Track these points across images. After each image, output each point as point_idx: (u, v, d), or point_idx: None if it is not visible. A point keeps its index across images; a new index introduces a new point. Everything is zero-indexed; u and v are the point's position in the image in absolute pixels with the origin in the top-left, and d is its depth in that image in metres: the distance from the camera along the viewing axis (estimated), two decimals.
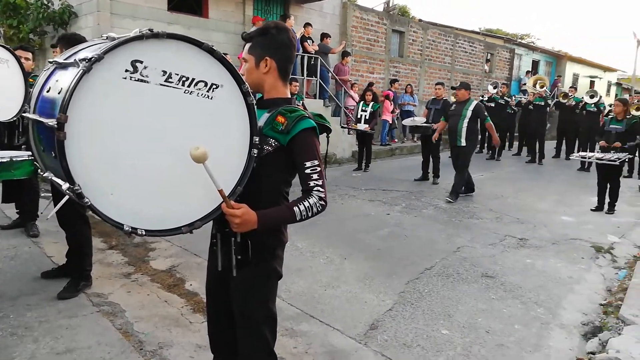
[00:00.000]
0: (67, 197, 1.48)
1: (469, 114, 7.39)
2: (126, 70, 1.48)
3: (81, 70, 1.39)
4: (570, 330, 3.46)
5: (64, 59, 1.59)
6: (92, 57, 1.41)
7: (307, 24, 10.98)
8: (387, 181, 8.84)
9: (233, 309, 1.94)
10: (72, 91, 1.38)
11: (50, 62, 1.69)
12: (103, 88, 1.45)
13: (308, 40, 10.77)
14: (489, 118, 7.66)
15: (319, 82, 11.10)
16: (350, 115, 11.44)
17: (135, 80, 1.50)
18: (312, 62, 10.87)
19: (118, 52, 1.46)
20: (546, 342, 3.25)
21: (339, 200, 7.13)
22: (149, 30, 1.50)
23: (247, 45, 1.89)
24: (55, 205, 3.78)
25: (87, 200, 1.44)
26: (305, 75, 10.67)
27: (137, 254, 4.53)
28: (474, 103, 7.52)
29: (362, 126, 9.66)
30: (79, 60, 1.43)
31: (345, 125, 10.87)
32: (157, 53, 1.53)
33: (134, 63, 1.49)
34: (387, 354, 2.99)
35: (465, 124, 7.41)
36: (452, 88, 8.41)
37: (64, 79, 1.49)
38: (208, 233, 1.96)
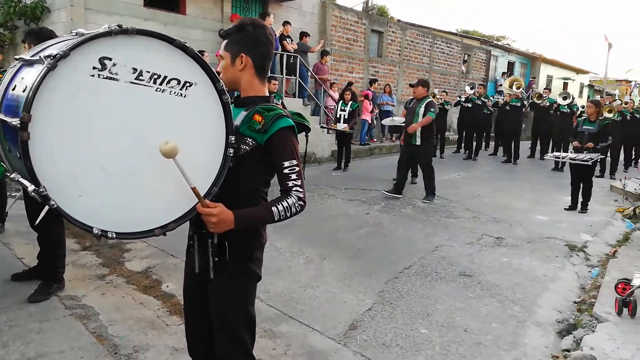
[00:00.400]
0: (46, 207, 1.42)
1: (421, 111, 7.17)
2: (94, 68, 1.43)
3: (45, 68, 1.33)
4: (545, 328, 3.52)
5: (31, 56, 1.53)
6: (57, 54, 1.35)
7: (286, 23, 10.92)
8: (366, 180, 8.87)
9: (210, 311, 1.90)
10: (35, 89, 1.33)
11: (16, 59, 1.62)
12: (69, 86, 1.40)
13: (287, 39, 10.72)
14: (432, 112, 7.21)
15: (298, 81, 11.06)
16: (330, 114, 11.44)
17: (103, 77, 1.45)
18: (292, 61, 10.83)
19: (85, 48, 1.41)
20: (522, 340, 3.30)
21: (319, 200, 7.12)
22: (118, 26, 1.44)
23: (224, 43, 1.85)
24: (26, 205, 3.67)
25: (53, 202, 1.39)
26: (284, 74, 10.62)
27: (112, 255, 4.42)
28: (427, 100, 7.29)
29: (341, 126, 9.67)
30: (44, 57, 1.37)
31: (325, 125, 10.85)
32: (127, 50, 1.48)
33: (102, 60, 1.44)
34: (367, 354, 2.99)
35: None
36: (411, 85, 8.27)
37: (29, 77, 1.43)
38: (185, 233, 1.91)
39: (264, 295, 3.71)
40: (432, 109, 7.19)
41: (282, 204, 1.71)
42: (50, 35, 3.33)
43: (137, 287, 3.77)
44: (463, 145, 13.58)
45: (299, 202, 1.75)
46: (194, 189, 1.59)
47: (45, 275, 3.58)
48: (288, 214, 1.73)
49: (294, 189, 1.74)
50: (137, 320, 3.24)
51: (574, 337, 3.32)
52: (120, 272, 4.06)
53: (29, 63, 1.53)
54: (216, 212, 1.63)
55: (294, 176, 1.74)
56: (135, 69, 1.50)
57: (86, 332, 3.04)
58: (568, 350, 3.16)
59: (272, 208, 1.70)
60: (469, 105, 13.05)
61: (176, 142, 1.50)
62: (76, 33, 1.52)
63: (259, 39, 1.82)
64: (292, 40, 10.91)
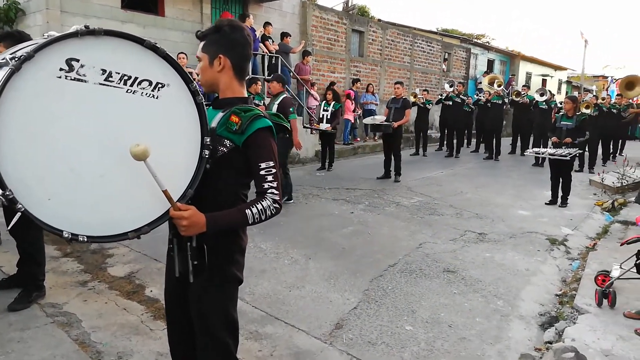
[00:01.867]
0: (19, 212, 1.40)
1: (275, 108, 6.51)
2: (61, 69, 1.41)
3: (10, 69, 1.31)
4: (528, 321, 3.57)
5: (1, 59, 1.51)
6: (21, 56, 1.33)
7: (267, 23, 10.90)
8: (350, 180, 8.89)
9: (192, 315, 1.88)
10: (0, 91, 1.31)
11: None
12: (35, 88, 1.37)
13: (269, 40, 10.69)
14: (295, 115, 6.75)
15: None
16: (312, 115, 11.44)
17: (71, 79, 1.43)
18: (273, 62, 10.80)
19: (51, 50, 1.39)
20: (506, 334, 3.34)
21: (303, 200, 7.12)
22: (85, 27, 1.43)
23: (201, 44, 1.84)
24: (4, 210, 3.59)
25: (20, 206, 1.36)
26: (266, 75, 10.59)
27: (94, 261, 4.36)
28: (282, 97, 6.57)
29: (324, 126, 9.68)
30: (10, 59, 1.35)
31: (308, 125, 10.85)
32: (95, 51, 1.46)
33: (69, 61, 1.41)
34: (353, 353, 3.00)
35: None
36: (266, 80, 7.81)
37: None
38: (167, 237, 1.89)
39: (249, 297, 3.70)
40: (291, 108, 6.51)
41: (256, 207, 1.69)
42: (27, 38, 3.28)
43: (120, 293, 3.72)
44: (445, 143, 13.71)
45: (274, 205, 1.73)
46: (165, 192, 1.57)
47: (25, 283, 3.51)
48: (263, 217, 1.71)
49: (270, 191, 1.72)
50: (121, 326, 3.20)
51: (556, 329, 3.38)
52: (103, 278, 4.01)
53: None
54: (187, 215, 1.61)
55: (270, 178, 1.72)
56: (104, 70, 1.48)
57: (68, 339, 2.99)
58: (551, 342, 3.21)
59: (246, 211, 1.68)
60: (450, 103, 13.18)
61: (148, 144, 1.48)
62: (48, 36, 1.50)
63: (236, 40, 1.81)
64: (273, 41, 10.89)
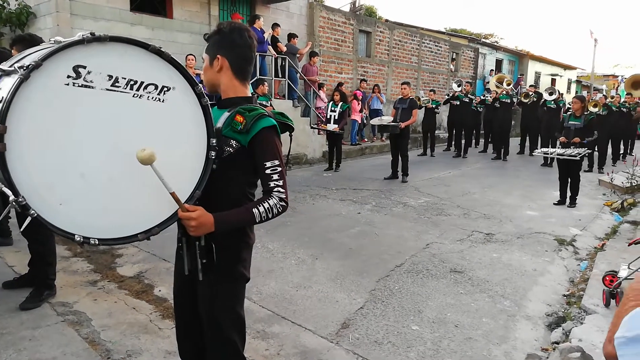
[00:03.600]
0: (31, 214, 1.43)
1: None
2: (68, 77, 1.44)
3: (19, 79, 1.35)
4: (535, 321, 3.56)
5: (9, 66, 1.54)
6: (29, 65, 1.36)
7: (275, 25, 10.95)
8: (357, 180, 8.90)
9: (200, 313, 1.91)
10: (9, 101, 1.34)
11: None
12: (44, 96, 1.41)
13: (279, 42, 10.74)
14: None
15: (288, 83, 11.08)
16: (320, 115, 11.47)
17: (79, 86, 1.46)
18: (282, 64, 10.85)
19: (58, 58, 1.42)
20: (513, 334, 3.34)
21: (310, 201, 7.14)
22: (91, 33, 1.45)
23: (206, 46, 1.89)
24: (17, 213, 3.66)
25: (33, 212, 1.40)
26: (273, 75, 10.64)
27: (104, 260, 4.42)
28: None
29: (331, 126, 9.70)
30: (18, 67, 1.38)
31: (315, 126, 10.89)
32: (101, 57, 1.49)
33: (76, 68, 1.44)
34: (359, 352, 3.02)
35: None
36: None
37: (5, 88, 1.44)
38: (176, 237, 1.93)
39: (256, 297, 3.73)
40: None
41: (263, 205, 1.72)
42: (39, 41, 3.34)
43: (129, 292, 3.77)
44: (453, 143, 13.67)
45: (281, 203, 1.76)
46: (173, 194, 1.60)
47: (36, 282, 3.57)
48: (269, 215, 1.74)
49: (276, 189, 1.75)
50: (130, 324, 3.25)
51: (563, 329, 3.37)
52: (112, 277, 4.06)
53: (7, 73, 1.53)
54: (195, 216, 1.64)
55: (275, 176, 1.75)
56: (110, 76, 1.51)
57: (79, 337, 3.04)
58: (557, 343, 3.20)
59: (253, 210, 1.71)
60: (457, 103, 13.14)
61: (154, 148, 1.50)
62: (54, 41, 1.53)
63: (235, 41, 1.83)
64: (279, 43, 10.94)
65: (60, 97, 1.43)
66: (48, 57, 1.39)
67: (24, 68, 1.36)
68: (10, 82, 1.43)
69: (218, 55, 1.82)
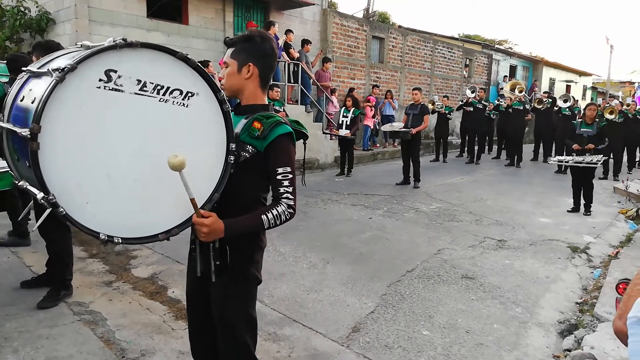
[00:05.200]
0: (48, 209, 1.48)
1: None
2: (100, 80, 1.49)
3: (54, 81, 1.39)
4: (547, 328, 3.55)
5: (38, 68, 1.59)
6: (65, 67, 1.41)
7: (288, 31, 11.04)
8: (369, 186, 8.92)
9: (213, 314, 1.95)
10: (45, 101, 1.38)
11: (24, 71, 1.69)
12: (77, 98, 1.46)
13: (292, 48, 10.82)
14: None
15: (301, 88, 11.15)
16: (332, 121, 11.52)
17: (109, 89, 1.51)
18: (295, 69, 10.93)
19: (92, 61, 1.47)
20: (524, 341, 3.33)
21: (322, 205, 7.17)
22: (123, 39, 1.51)
23: (230, 50, 1.90)
24: (36, 213, 3.74)
25: (62, 210, 1.44)
26: (286, 81, 10.72)
27: (119, 262, 4.49)
28: None
29: (343, 132, 9.74)
30: (52, 70, 1.43)
31: (327, 131, 10.93)
32: (131, 62, 1.54)
33: (107, 72, 1.49)
34: (369, 356, 3.03)
35: None
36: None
37: (37, 89, 1.49)
38: (189, 240, 1.97)
39: (268, 300, 3.77)
40: None
41: (272, 212, 1.76)
42: (57, 47, 3.42)
43: (143, 293, 3.83)
44: (466, 149, 13.62)
45: (289, 210, 1.80)
46: (192, 200, 1.65)
47: (53, 282, 3.65)
48: (278, 222, 1.78)
49: (285, 195, 1.79)
50: (144, 325, 3.30)
51: (575, 337, 3.35)
52: (127, 278, 4.13)
53: (36, 75, 1.59)
54: (208, 222, 1.68)
55: (286, 183, 1.79)
56: (139, 80, 1.56)
57: (94, 337, 3.10)
58: (569, 350, 3.19)
59: (262, 217, 1.75)
60: (471, 109, 13.10)
61: (185, 156, 1.55)
62: (81, 45, 1.58)
63: (266, 51, 1.89)
64: (293, 49, 11.02)
65: (92, 100, 1.49)
66: (83, 60, 1.44)
67: (60, 70, 1.41)
68: (42, 83, 1.48)
69: (250, 63, 1.85)
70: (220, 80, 1.93)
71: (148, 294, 3.83)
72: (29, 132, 1.38)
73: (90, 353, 2.90)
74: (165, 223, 1.69)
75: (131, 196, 1.60)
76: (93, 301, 3.63)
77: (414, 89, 9.27)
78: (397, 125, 9.51)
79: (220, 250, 1.82)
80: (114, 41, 1.50)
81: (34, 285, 3.78)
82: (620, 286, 3.81)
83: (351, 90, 12.49)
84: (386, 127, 10.15)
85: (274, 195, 1.82)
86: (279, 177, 1.79)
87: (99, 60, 1.48)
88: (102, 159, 1.53)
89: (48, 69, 1.46)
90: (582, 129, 7.33)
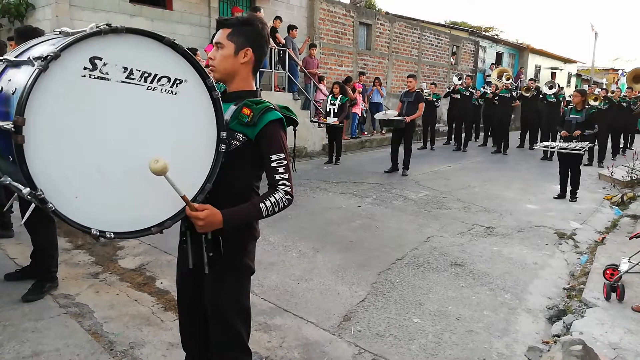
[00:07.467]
0: (34, 205, 1.42)
1: None
2: (85, 68, 1.42)
3: (37, 70, 1.32)
4: (536, 314, 3.58)
5: (15, 57, 1.51)
6: (48, 55, 1.33)
7: (277, 17, 10.88)
8: (357, 174, 8.90)
9: (205, 305, 1.92)
10: (28, 92, 1.31)
11: (0, 60, 1.60)
12: (61, 87, 1.38)
13: (277, 33, 10.68)
14: None
15: (288, 75, 11.03)
16: (320, 108, 11.44)
17: (95, 78, 1.44)
18: (281, 55, 10.80)
19: (75, 48, 1.39)
20: (514, 327, 3.36)
21: (311, 194, 7.14)
22: (107, 25, 1.43)
23: (225, 31, 1.81)
24: (20, 205, 3.65)
25: (51, 205, 1.38)
26: (273, 67, 10.59)
27: (105, 253, 4.42)
28: None
29: (331, 120, 9.68)
30: (34, 58, 1.35)
31: (315, 119, 10.86)
32: (117, 49, 1.47)
33: (92, 60, 1.42)
34: (361, 344, 3.03)
35: None
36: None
37: (17, 78, 1.41)
38: (176, 230, 1.92)
39: (258, 289, 3.74)
40: None
41: (269, 200, 1.73)
42: (38, 34, 3.30)
43: (131, 284, 3.78)
44: (453, 136, 13.66)
45: (287, 197, 1.77)
46: (183, 197, 1.61)
47: (38, 274, 3.57)
48: (276, 209, 1.75)
49: (281, 182, 1.76)
50: (132, 316, 3.25)
51: (563, 322, 3.39)
52: (114, 269, 4.07)
53: (15, 64, 1.50)
54: (202, 216, 1.64)
55: (281, 169, 1.75)
56: (125, 68, 1.50)
57: (81, 329, 3.05)
58: (558, 336, 3.22)
59: (260, 205, 1.72)
60: (458, 96, 13.11)
61: (167, 159, 1.50)
62: (60, 32, 1.51)
63: (264, 38, 1.86)
64: (279, 35, 10.88)
65: (77, 89, 1.41)
66: (66, 47, 1.37)
67: (42, 59, 1.33)
68: (22, 73, 1.40)
69: (248, 48, 1.80)
70: (209, 61, 1.86)
71: (136, 285, 3.77)
72: (13, 125, 1.30)
73: (77, 346, 2.85)
74: (158, 216, 1.65)
75: (121, 189, 1.54)
76: (79, 293, 3.57)
77: (408, 76, 9.22)
78: (391, 114, 9.44)
79: (213, 242, 1.78)
80: (97, 27, 1.42)
81: (18, 277, 3.70)
82: (608, 272, 3.87)
83: (348, 80, 12.37)
84: (379, 115, 10.06)
85: (269, 182, 1.78)
86: (273, 164, 1.75)
87: (83, 47, 1.41)
88: (90, 151, 1.46)
89: (28, 57, 1.38)
90: (571, 115, 7.38)
